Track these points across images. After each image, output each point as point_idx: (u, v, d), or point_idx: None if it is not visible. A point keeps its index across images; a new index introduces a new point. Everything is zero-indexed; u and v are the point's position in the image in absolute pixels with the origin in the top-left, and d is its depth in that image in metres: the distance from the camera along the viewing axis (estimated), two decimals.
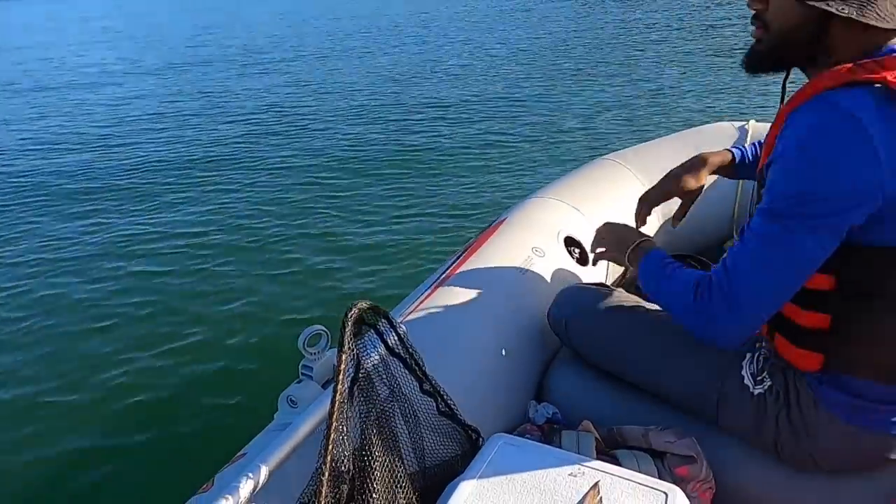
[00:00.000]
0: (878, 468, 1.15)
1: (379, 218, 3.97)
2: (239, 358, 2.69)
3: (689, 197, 1.48)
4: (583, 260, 1.81)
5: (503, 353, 1.39)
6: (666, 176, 1.49)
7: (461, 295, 1.49)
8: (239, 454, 1.10)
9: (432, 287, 1.52)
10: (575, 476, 0.94)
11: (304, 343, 1.09)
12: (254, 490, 0.87)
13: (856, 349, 1.06)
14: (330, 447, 0.83)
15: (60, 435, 2.33)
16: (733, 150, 1.50)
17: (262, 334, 2.82)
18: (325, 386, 1.14)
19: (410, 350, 1.03)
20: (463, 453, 1.11)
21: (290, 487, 0.95)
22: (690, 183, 1.45)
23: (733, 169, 1.50)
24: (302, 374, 1.13)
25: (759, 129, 2.29)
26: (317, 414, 1.00)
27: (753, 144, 1.52)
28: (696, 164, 1.47)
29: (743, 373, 1.20)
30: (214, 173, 4.93)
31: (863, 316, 1.03)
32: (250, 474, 0.86)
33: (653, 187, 1.50)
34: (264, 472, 0.89)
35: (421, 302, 1.46)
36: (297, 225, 3.93)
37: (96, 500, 2.04)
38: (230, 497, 0.83)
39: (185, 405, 2.43)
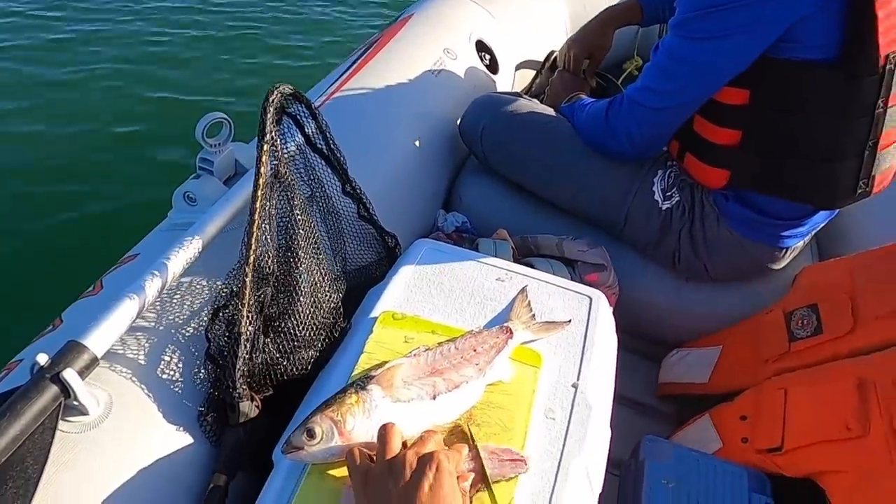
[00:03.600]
0: (755, 278, 1.26)
1: (279, 7, 3.54)
2: (122, 148, 2.35)
3: (600, 55, 1.54)
4: (493, 67, 1.71)
5: (417, 144, 1.32)
6: (580, 35, 1.52)
7: (369, 94, 1.35)
8: (128, 255, 0.97)
9: (337, 84, 1.36)
10: (502, 281, 0.93)
11: (202, 133, 0.93)
12: (159, 291, 0.77)
13: (762, 163, 1.09)
14: (253, 245, 0.74)
15: None
16: (640, 0, 1.48)
17: (151, 120, 2.46)
18: (227, 182, 1.01)
19: (332, 145, 0.92)
20: (379, 260, 1.06)
21: (199, 291, 0.86)
22: (602, 44, 1.51)
23: (642, 20, 1.50)
24: (200, 168, 0.98)
25: None
26: (225, 212, 0.89)
27: None
28: (604, 24, 1.49)
29: (654, 188, 1.22)
30: None
31: (772, 130, 1.06)
32: (155, 272, 0.76)
33: (574, 44, 1.53)
34: (170, 272, 0.79)
35: (325, 99, 1.31)
36: (193, 11, 3.43)
37: None
38: (134, 297, 0.73)
39: (59, 196, 2.12)
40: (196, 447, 0.73)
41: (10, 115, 2.51)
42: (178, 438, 0.72)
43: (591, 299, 0.92)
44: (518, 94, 1.42)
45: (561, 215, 1.34)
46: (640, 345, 1.35)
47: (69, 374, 0.65)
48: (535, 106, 1.36)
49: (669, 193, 1.21)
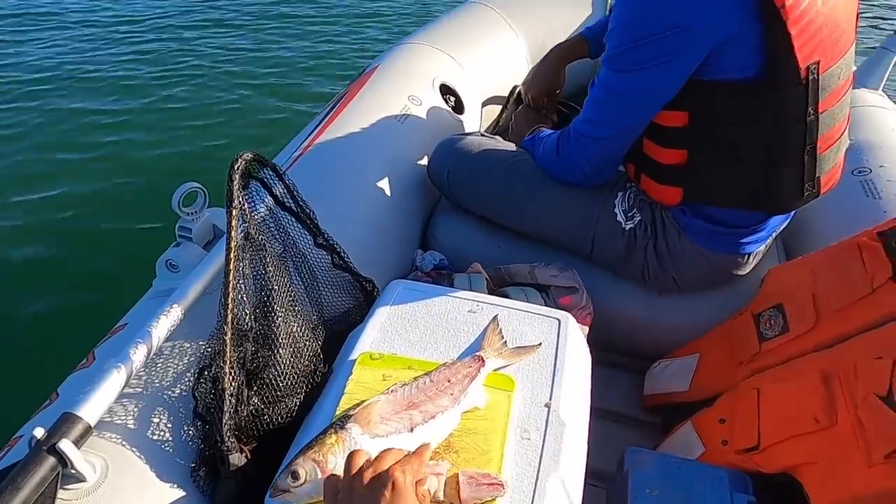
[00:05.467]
0: (725, 285, 1.31)
1: (248, 72, 3.70)
2: (104, 224, 2.44)
3: (556, 93, 1.64)
4: (458, 108, 1.78)
5: (388, 190, 1.39)
6: (535, 77, 1.62)
7: (340, 147, 1.42)
8: (118, 326, 1.01)
9: (308, 140, 1.43)
10: (474, 312, 0.97)
11: (178, 202, 0.99)
12: (146, 357, 0.82)
13: (710, 178, 1.15)
14: (230, 305, 0.79)
15: None
16: (586, 35, 1.57)
17: (128, 195, 2.57)
18: (206, 247, 1.06)
19: (301, 203, 0.98)
20: (358, 304, 1.10)
21: (184, 353, 0.90)
22: (555, 83, 1.62)
23: (589, 53, 1.58)
24: (179, 236, 1.04)
25: None
26: (204, 276, 0.94)
27: (600, 21, 1.60)
28: (555, 64, 1.59)
29: (616, 210, 1.28)
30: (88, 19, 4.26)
31: (713, 146, 1.11)
32: (141, 340, 0.81)
33: (530, 87, 1.63)
34: (155, 338, 0.83)
35: (297, 156, 1.37)
36: (164, 81, 3.57)
37: None
38: (122, 366, 0.78)
39: (45, 277, 2.20)
40: (190, 502, 0.76)
41: None
42: (173, 495, 0.76)
43: (559, 321, 0.97)
44: (480, 134, 1.48)
45: (533, 244, 1.39)
46: (622, 360, 1.39)
47: (65, 445, 0.69)
48: (497, 143, 1.42)
49: (631, 213, 1.27)
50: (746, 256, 1.24)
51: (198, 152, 2.90)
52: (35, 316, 2.07)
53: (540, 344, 0.92)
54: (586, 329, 1.19)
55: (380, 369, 0.86)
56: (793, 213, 1.23)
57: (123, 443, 0.77)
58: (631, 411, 1.31)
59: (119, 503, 0.72)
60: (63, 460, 0.69)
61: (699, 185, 1.15)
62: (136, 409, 0.81)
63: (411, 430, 0.74)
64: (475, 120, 1.84)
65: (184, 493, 0.76)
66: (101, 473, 0.73)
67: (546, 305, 1.17)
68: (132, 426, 0.79)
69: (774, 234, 1.27)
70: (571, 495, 0.76)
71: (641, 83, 1.07)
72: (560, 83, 1.59)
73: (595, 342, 1.19)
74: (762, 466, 0.94)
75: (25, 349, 1.95)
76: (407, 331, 0.94)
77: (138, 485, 0.75)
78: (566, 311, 1.13)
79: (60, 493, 0.69)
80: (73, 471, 0.71)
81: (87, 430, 0.73)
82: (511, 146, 1.42)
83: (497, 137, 1.48)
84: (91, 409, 0.73)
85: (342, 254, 1.06)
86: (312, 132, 1.47)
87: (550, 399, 0.84)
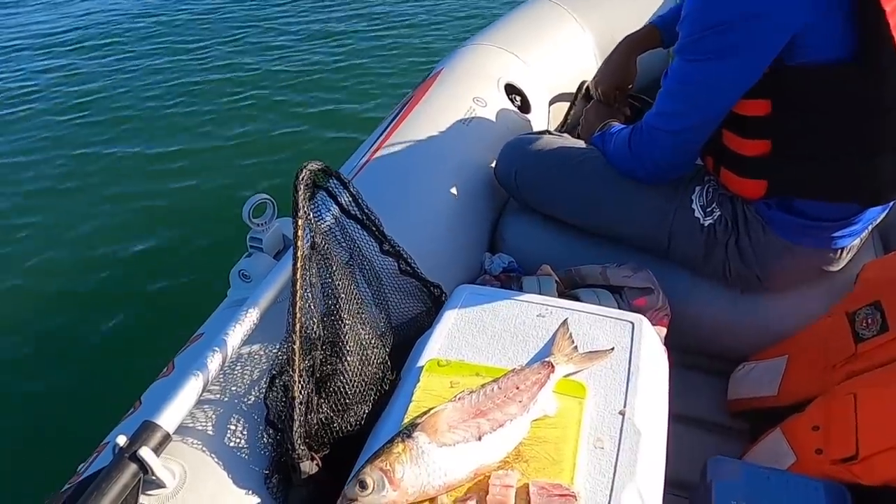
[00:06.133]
0: (815, 282, 1.22)
1: (315, 84, 3.79)
2: (180, 237, 2.57)
3: (628, 86, 1.56)
4: (524, 108, 1.75)
5: (455, 193, 1.37)
6: (605, 71, 1.57)
7: (405, 152, 1.42)
8: (196, 335, 1.05)
9: (374, 147, 1.44)
10: (543, 316, 0.95)
11: (249, 214, 1.02)
12: (221, 366, 0.84)
13: (797, 170, 1.08)
14: (298, 315, 0.80)
15: None
16: (658, 24, 1.50)
17: (202, 209, 2.69)
18: (277, 257, 1.08)
19: (366, 210, 0.98)
20: (427, 310, 1.10)
21: (257, 361, 0.92)
22: (626, 76, 1.54)
23: (662, 42, 1.50)
24: (251, 246, 1.07)
25: None
26: (275, 285, 0.95)
27: (672, 9, 1.52)
28: (625, 55, 1.51)
29: (693, 206, 1.22)
30: (155, 41, 4.50)
31: (801, 135, 1.05)
32: (216, 349, 0.83)
33: (600, 81, 1.57)
34: (230, 347, 0.85)
35: (364, 163, 1.39)
36: (230, 95, 3.72)
37: (52, 401, 1.99)
38: (199, 374, 0.80)
39: (128, 291, 2.33)
40: None
41: (74, 218, 2.77)
42: (248, 502, 0.77)
43: (633, 325, 0.93)
44: (546, 132, 1.45)
45: (605, 244, 1.35)
46: (704, 362, 1.33)
47: (145, 452, 0.72)
48: (565, 141, 1.39)
49: (710, 209, 1.21)
50: (839, 251, 1.15)
51: (268, 164, 3.00)
52: (122, 329, 2.20)
53: (612, 348, 0.88)
54: (663, 331, 1.15)
55: (447, 376, 0.85)
56: (891, 203, 1.14)
57: (202, 449, 0.80)
58: (714, 417, 1.25)
59: None
60: (144, 467, 0.72)
61: (785, 176, 1.08)
62: (213, 417, 0.83)
63: (479, 438, 0.72)
64: (542, 118, 1.81)
65: (258, 500, 0.77)
66: (179, 480, 0.76)
67: (619, 308, 1.13)
68: (210, 433, 0.81)
69: (871, 227, 1.18)
70: None
71: (716, 72, 1.01)
72: (631, 76, 1.53)
73: (674, 344, 1.14)
74: (861, 478, 0.87)
75: (113, 360, 2.07)
76: (474, 336, 0.92)
77: (215, 491, 0.77)
78: (641, 313, 1.08)
79: (142, 499, 0.72)
80: (153, 477, 0.73)
81: (166, 438, 0.75)
82: (580, 143, 1.38)
83: (565, 135, 1.44)
84: (169, 418, 0.76)
85: (409, 259, 1.06)
86: (378, 138, 1.48)
87: (625, 406, 0.80)
